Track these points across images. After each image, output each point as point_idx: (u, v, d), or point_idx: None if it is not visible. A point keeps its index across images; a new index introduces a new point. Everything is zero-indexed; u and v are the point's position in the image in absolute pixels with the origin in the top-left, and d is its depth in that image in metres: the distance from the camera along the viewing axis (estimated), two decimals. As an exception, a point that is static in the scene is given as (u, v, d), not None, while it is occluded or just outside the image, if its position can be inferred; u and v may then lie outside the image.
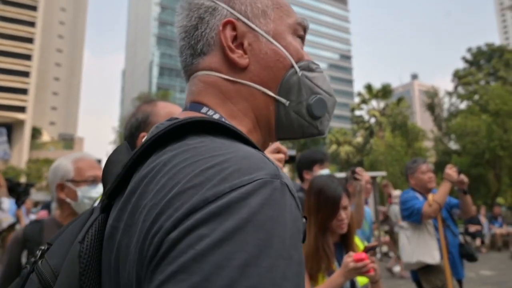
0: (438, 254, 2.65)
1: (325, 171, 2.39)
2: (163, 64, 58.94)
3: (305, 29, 0.60)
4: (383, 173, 10.23)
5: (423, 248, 2.68)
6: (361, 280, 1.47)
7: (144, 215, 0.36)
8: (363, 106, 32.61)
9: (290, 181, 0.39)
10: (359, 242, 1.70)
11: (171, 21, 55.66)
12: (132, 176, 0.42)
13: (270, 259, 0.32)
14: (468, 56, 32.57)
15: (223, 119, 0.51)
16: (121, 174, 0.43)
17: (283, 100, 0.55)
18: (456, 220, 2.96)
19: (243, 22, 0.54)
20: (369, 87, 31.19)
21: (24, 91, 49.34)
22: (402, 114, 27.26)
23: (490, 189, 18.29)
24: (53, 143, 52.67)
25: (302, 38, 0.60)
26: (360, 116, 33.85)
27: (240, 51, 0.54)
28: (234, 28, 0.54)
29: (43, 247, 0.48)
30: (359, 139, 34.87)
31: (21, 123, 48.58)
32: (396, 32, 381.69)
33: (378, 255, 8.30)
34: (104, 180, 0.49)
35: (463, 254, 2.77)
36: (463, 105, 27.41)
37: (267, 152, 1.06)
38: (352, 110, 34.73)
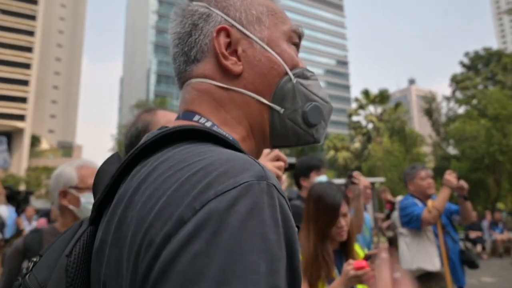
0: (438, 261, 2.67)
1: (322, 178, 2.40)
2: (161, 72, 60.15)
3: (300, 36, 0.61)
4: (382, 179, 10.29)
5: (423, 254, 2.70)
6: (361, 288, 1.48)
7: (133, 228, 0.36)
8: (361, 111, 32.84)
9: (276, 181, 0.39)
10: (359, 249, 1.71)
11: (168, 29, 56.68)
12: (119, 187, 0.43)
13: (271, 264, 0.32)
14: (466, 61, 33.00)
15: (215, 127, 0.51)
16: (108, 185, 0.43)
17: (277, 107, 0.55)
18: (456, 226, 2.99)
19: (237, 29, 0.55)
20: (366, 93, 31.45)
21: (23, 100, 50.55)
22: (399, 119, 27.46)
23: (490, 195, 18.39)
24: (52, 151, 53.20)
25: (297, 46, 0.60)
26: (358, 122, 34.06)
27: (234, 58, 0.54)
28: (228, 34, 0.54)
29: (34, 259, 0.48)
30: (356, 145, 35.05)
31: (20, 131, 49.53)
32: (393, 37, 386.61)
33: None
34: (95, 191, 0.49)
35: (464, 261, 2.79)
36: (461, 110, 27.68)
37: (267, 159, 1.08)
38: (350, 115, 34.95)
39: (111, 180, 0.44)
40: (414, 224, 2.74)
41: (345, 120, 46.73)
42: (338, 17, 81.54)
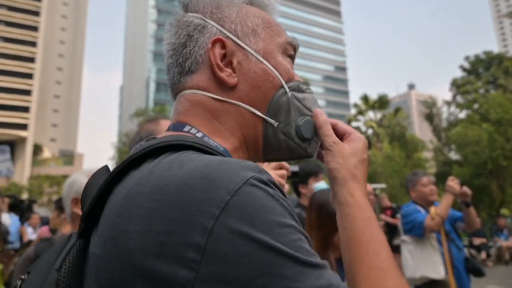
0: (442, 268, 2.67)
1: (321, 184, 2.40)
2: (160, 80, 61.78)
3: (295, 48, 0.62)
4: (383, 185, 10.33)
5: (427, 262, 2.70)
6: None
7: (135, 244, 0.37)
8: (360, 117, 32.98)
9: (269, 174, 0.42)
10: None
11: None
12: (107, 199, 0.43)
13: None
14: (466, 65, 33.40)
15: (206, 138, 0.52)
16: (95, 197, 0.44)
17: (271, 120, 0.56)
18: (460, 233, 3.00)
19: (233, 41, 0.56)
20: (365, 98, 31.63)
21: (26, 109, 52.58)
22: (400, 125, 27.63)
23: (494, 200, 18.45)
24: (54, 159, 54.55)
25: (292, 58, 0.62)
26: (357, 128, 34.17)
27: (229, 70, 0.55)
28: (223, 46, 0.55)
29: (23, 277, 0.48)
30: (356, 150, 35.02)
31: (23, 140, 51.17)
32: (392, 42, 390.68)
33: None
34: (83, 204, 0.49)
35: (470, 269, 2.80)
36: (462, 114, 27.92)
37: (270, 168, 1.10)
38: (349, 121, 35.05)
39: (98, 192, 0.44)
40: (416, 231, 2.76)
41: (344, 126, 46.76)
42: (336, 23, 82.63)
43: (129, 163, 0.44)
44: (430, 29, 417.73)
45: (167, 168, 0.41)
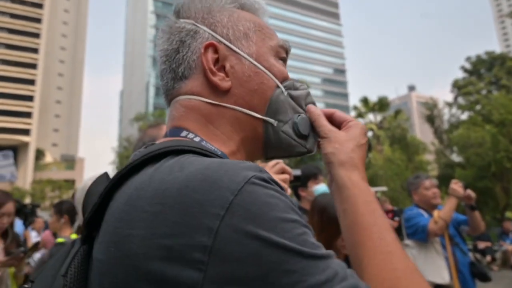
0: (447, 273, 2.66)
1: (321, 186, 2.38)
2: (159, 84, 61.82)
3: (287, 51, 0.64)
4: (384, 188, 10.34)
5: (431, 267, 2.69)
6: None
7: (138, 248, 0.37)
8: (360, 120, 33.02)
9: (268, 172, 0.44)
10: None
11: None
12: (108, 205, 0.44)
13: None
14: (467, 66, 33.52)
15: (203, 142, 0.53)
16: (96, 203, 0.45)
17: (271, 120, 0.57)
18: (465, 237, 2.99)
19: (225, 45, 0.57)
20: (365, 100, 31.70)
21: (28, 115, 54.79)
22: (400, 127, 27.66)
23: (498, 203, 18.44)
24: (56, 164, 56.46)
25: (284, 60, 0.63)
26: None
27: (222, 74, 0.56)
28: (216, 50, 0.56)
29: (26, 286, 0.49)
30: (357, 153, 35.06)
31: (25, 145, 53.23)
32: (391, 44, 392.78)
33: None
34: (85, 211, 0.50)
35: (475, 274, 2.78)
36: (464, 116, 28.02)
37: (272, 172, 1.10)
38: (349, 123, 35.11)
39: (99, 199, 0.45)
40: (420, 235, 2.75)
41: (345, 129, 46.91)
42: (334, 25, 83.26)
43: (129, 170, 0.45)
44: (430, 30, 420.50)
45: (168, 172, 0.41)
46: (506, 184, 18.16)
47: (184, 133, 0.55)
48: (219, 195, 0.38)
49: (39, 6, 57.13)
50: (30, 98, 55.07)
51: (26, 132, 53.94)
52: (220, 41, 0.57)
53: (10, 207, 2.40)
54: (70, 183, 42.34)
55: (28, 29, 55.99)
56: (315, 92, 68.41)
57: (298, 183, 2.38)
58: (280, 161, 1.12)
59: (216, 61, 0.56)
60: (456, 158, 23.30)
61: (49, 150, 61.96)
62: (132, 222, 0.39)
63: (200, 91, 0.56)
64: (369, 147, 0.66)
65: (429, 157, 26.07)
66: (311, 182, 2.45)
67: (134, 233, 0.38)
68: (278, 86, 0.59)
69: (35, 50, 55.98)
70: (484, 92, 29.60)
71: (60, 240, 2.76)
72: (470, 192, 2.76)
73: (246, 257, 0.36)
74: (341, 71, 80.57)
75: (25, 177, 47.50)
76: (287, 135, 0.58)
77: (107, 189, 0.45)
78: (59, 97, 66.71)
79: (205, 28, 0.58)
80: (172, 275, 0.36)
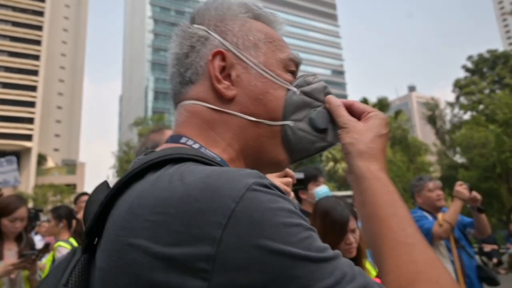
0: (453, 277, 2.62)
1: (322, 188, 2.34)
2: (158, 89, 64.46)
3: (297, 64, 0.64)
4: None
5: (437, 272, 2.66)
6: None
7: (141, 257, 0.38)
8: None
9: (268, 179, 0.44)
10: (370, 267, 1.70)
11: (164, 46, 63.89)
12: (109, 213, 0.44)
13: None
14: (469, 65, 33.45)
15: (202, 149, 0.54)
16: (97, 212, 0.45)
17: (286, 122, 0.58)
18: (471, 240, 2.95)
19: (233, 54, 0.58)
20: (364, 102, 31.66)
21: (30, 120, 56.18)
22: (401, 128, 27.60)
23: (503, 205, 18.31)
24: (57, 168, 57.24)
25: (293, 74, 0.63)
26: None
27: (227, 82, 0.57)
28: (223, 58, 0.57)
29: None
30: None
31: (28, 150, 54.55)
32: (390, 44, 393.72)
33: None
34: (85, 220, 0.50)
35: (483, 278, 2.73)
36: (466, 116, 27.95)
37: (274, 176, 1.10)
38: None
39: (100, 208, 0.45)
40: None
41: (346, 131, 46.96)
42: (332, 26, 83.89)
43: (130, 178, 0.45)
44: (430, 29, 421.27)
45: (169, 180, 0.42)
46: (511, 185, 18.04)
47: (183, 140, 0.56)
48: (221, 203, 0.38)
49: (40, 14, 58.64)
50: (32, 104, 56.31)
51: (28, 137, 55.11)
52: (228, 49, 0.58)
53: (23, 211, 2.48)
54: (71, 187, 42.79)
55: (30, 37, 57.40)
56: (314, 94, 68.18)
57: (302, 186, 2.36)
58: None
59: (223, 69, 0.57)
60: (459, 159, 23.22)
61: (51, 155, 62.98)
62: (134, 230, 0.39)
63: (205, 97, 0.57)
64: None
65: (431, 158, 25.98)
66: (311, 184, 2.41)
67: (136, 242, 0.38)
68: (288, 89, 0.59)
69: (36, 57, 57.32)
70: (487, 91, 29.54)
71: (59, 243, 2.79)
72: (475, 194, 2.72)
73: (250, 264, 0.36)
74: (339, 72, 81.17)
75: (28, 182, 48.23)
76: (304, 132, 0.58)
77: (108, 197, 0.45)
78: (60, 102, 68.00)
79: (216, 35, 0.59)
80: (176, 284, 0.36)
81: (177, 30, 0.62)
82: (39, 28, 57.94)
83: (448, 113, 29.13)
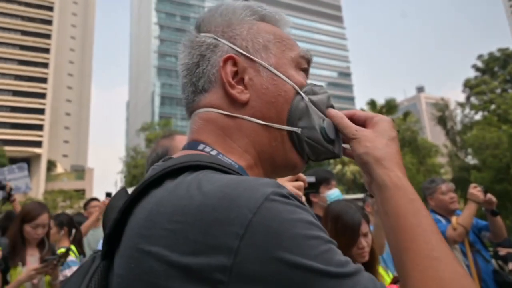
0: None
1: (333, 192, 2.30)
2: (164, 94, 65.52)
3: (308, 61, 0.64)
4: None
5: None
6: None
7: (158, 265, 0.38)
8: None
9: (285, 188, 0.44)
10: (383, 272, 1.67)
11: (170, 52, 65.46)
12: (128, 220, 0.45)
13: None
14: (479, 64, 33.05)
15: (220, 155, 0.54)
16: (116, 219, 0.45)
17: (294, 129, 0.57)
18: (487, 243, 2.89)
19: (244, 58, 0.58)
20: (372, 103, 31.42)
21: (40, 127, 58.23)
22: (410, 129, 27.28)
23: (518, 207, 17.96)
24: (66, 174, 59.20)
25: (305, 71, 0.63)
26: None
27: (241, 87, 0.57)
28: (235, 63, 0.57)
29: None
30: (366, 158, 34.74)
31: (38, 157, 56.26)
32: (397, 44, 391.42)
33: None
34: (104, 226, 0.51)
35: (500, 283, 2.66)
36: (478, 116, 27.58)
37: (286, 180, 1.10)
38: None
39: (118, 214, 0.45)
40: (438, 243, 2.66)
41: (353, 133, 46.84)
42: (338, 28, 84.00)
43: (148, 184, 0.46)
44: (437, 29, 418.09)
45: (187, 188, 0.42)
46: (525, 186, 17.73)
47: (201, 147, 0.56)
48: (239, 213, 0.37)
49: (48, 22, 60.47)
50: (41, 111, 58.27)
51: (38, 144, 56.87)
52: (239, 54, 0.58)
53: (45, 218, 2.54)
54: (80, 193, 43.50)
55: (38, 45, 59.51)
56: (320, 97, 68.57)
57: (313, 190, 2.32)
58: None
59: (235, 74, 0.57)
60: (471, 160, 22.89)
61: (60, 161, 64.48)
62: (151, 238, 0.39)
63: (219, 104, 0.57)
64: None
65: (442, 160, 25.66)
66: (323, 188, 2.36)
67: (153, 250, 0.38)
68: (297, 93, 0.58)
69: (45, 65, 59.58)
70: (498, 91, 29.13)
71: (61, 250, 2.81)
72: (490, 196, 2.66)
73: (267, 277, 0.35)
74: (346, 74, 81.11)
75: (38, 188, 49.25)
76: (314, 141, 0.58)
77: (126, 203, 0.45)
78: (68, 109, 69.66)
79: (224, 41, 0.59)
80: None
81: (185, 40, 0.62)
82: (48, 36, 60.33)
83: (458, 114, 28.79)
